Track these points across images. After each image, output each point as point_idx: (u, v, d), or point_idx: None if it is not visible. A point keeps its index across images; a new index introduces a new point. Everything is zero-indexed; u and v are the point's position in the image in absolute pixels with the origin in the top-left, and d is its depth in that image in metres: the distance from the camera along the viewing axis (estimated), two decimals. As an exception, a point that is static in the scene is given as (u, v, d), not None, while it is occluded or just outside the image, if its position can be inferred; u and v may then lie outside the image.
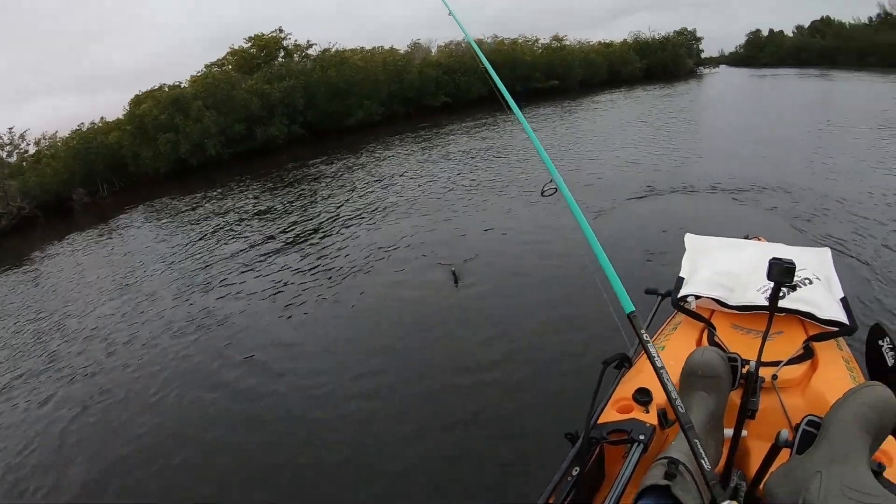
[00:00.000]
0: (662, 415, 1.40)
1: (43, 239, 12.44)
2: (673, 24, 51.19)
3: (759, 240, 2.83)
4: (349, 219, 8.04)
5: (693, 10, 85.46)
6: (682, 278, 2.20)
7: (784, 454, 1.14)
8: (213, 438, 3.30)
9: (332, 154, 15.20)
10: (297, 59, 21.79)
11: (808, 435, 1.09)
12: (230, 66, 20.71)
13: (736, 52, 50.45)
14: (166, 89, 18.43)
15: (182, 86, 18.79)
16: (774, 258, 1.24)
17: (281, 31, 21.89)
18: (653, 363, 1.20)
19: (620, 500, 1.24)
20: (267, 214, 9.32)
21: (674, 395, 1.15)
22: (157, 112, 17.10)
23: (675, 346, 1.84)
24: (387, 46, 24.31)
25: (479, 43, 23.51)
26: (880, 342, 1.78)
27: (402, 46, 25.10)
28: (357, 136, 18.26)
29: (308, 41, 22.26)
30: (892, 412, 1.06)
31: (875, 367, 1.79)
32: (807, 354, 1.72)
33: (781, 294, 1.44)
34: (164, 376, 4.20)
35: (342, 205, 8.98)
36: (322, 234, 7.46)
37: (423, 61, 23.57)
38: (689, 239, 2.53)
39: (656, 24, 63.35)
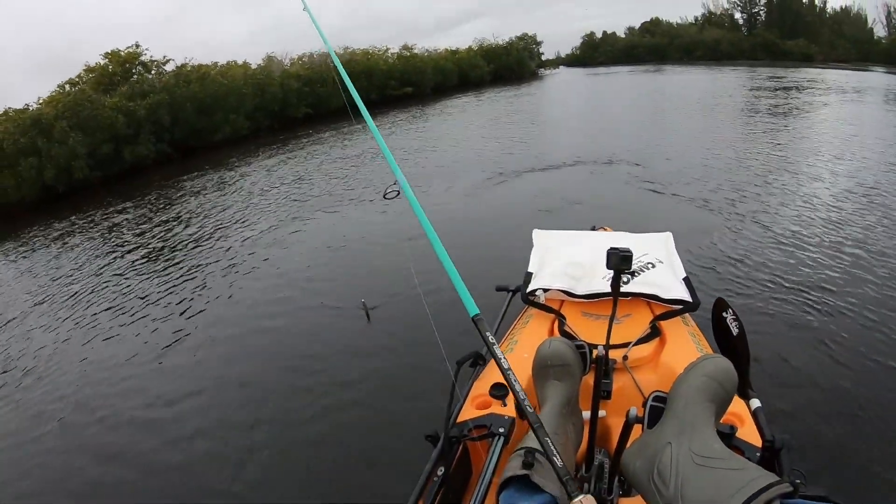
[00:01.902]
0: (519, 407, 1.23)
1: None
2: (510, 30, 56.28)
3: (606, 230, 2.99)
4: (209, 240, 7.95)
5: (527, 15, 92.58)
6: (531, 273, 2.24)
7: (638, 430, 1.16)
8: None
9: (200, 171, 15.58)
10: (153, 74, 22.12)
11: (657, 409, 1.12)
12: (86, 85, 20.57)
13: (573, 54, 55.63)
14: (11, 113, 17.99)
15: (32, 108, 18.50)
16: (612, 248, 1.28)
17: (138, 46, 22.12)
18: (499, 364, 1.18)
19: (487, 493, 1.26)
20: (134, 242, 8.91)
21: (521, 395, 1.14)
22: (17, 135, 16.79)
23: (528, 339, 1.86)
24: (239, 62, 25.26)
25: (321, 55, 25.24)
26: (724, 314, 1.82)
27: (253, 61, 26.07)
28: (224, 152, 18.87)
29: (164, 56, 22.74)
30: (730, 380, 1.11)
31: (722, 337, 1.84)
32: (654, 333, 1.80)
33: (625, 280, 1.59)
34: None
35: (206, 227, 8.82)
36: (183, 260, 7.27)
37: (282, 74, 24.92)
38: (537, 234, 2.58)
39: (487, 31, 68.92)
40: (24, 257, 9.94)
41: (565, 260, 2.29)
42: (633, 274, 2.07)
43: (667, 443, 1.02)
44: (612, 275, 1.34)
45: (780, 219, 5.70)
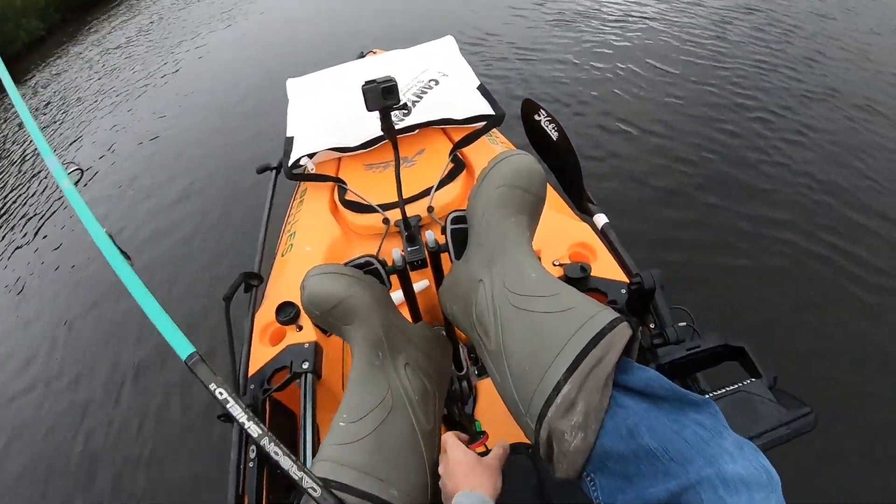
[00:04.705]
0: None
1: None
2: None
3: (375, 53, 2.48)
4: None
5: None
6: (291, 138, 1.73)
7: (447, 259, 0.93)
8: None
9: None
10: None
11: (461, 232, 0.87)
12: None
13: None
14: None
15: None
16: (366, 83, 0.88)
17: None
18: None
19: (314, 440, 0.99)
20: None
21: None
22: None
23: (309, 226, 1.48)
24: None
25: None
26: (536, 117, 1.55)
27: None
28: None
29: None
30: (536, 179, 0.82)
31: (540, 145, 1.58)
32: (458, 167, 1.46)
33: (404, 113, 1.33)
34: None
35: None
36: None
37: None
38: (292, 85, 2.06)
39: None
40: None
41: (329, 108, 1.80)
42: (413, 102, 1.65)
43: (478, 280, 0.78)
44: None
45: (590, 6, 4.74)
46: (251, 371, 1.14)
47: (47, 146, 1.25)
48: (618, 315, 0.63)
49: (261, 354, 1.15)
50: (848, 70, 3.42)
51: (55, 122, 6.14)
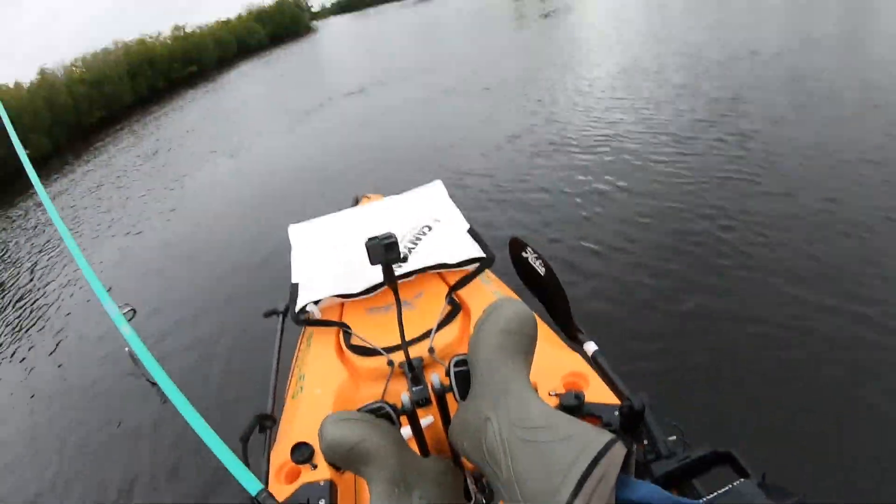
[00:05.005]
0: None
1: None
2: None
3: (369, 198, 2.65)
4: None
5: None
6: (297, 284, 1.85)
7: (452, 399, 1.02)
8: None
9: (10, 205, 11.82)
10: None
11: (464, 374, 0.97)
12: None
13: (338, 2, 56.88)
14: None
15: None
16: (370, 240, 1.06)
17: None
18: None
19: None
20: None
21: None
22: None
23: (317, 370, 1.54)
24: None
25: (96, 56, 24.26)
26: (524, 254, 1.64)
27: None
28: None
29: None
30: (527, 324, 0.94)
31: (529, 281, 1.67)
32: (455, 308, 1.55)
33: (403, 260, 1.35)
34: None
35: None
36: None
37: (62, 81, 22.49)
38: (293, 231, 2.20)
39: None
40: None
41: (331, 256, 1.91)
42: (409, 249, 1.75)
43: (486, 418, 0.87)
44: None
45: (557, 136, 5.11)
46: None
47: (105, 291, 1.36)
48: (613, 436, 0.71)
49: (277, 492, 1.19)
50: (806, 168, 3.71)
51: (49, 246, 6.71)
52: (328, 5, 56.42)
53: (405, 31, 20.94)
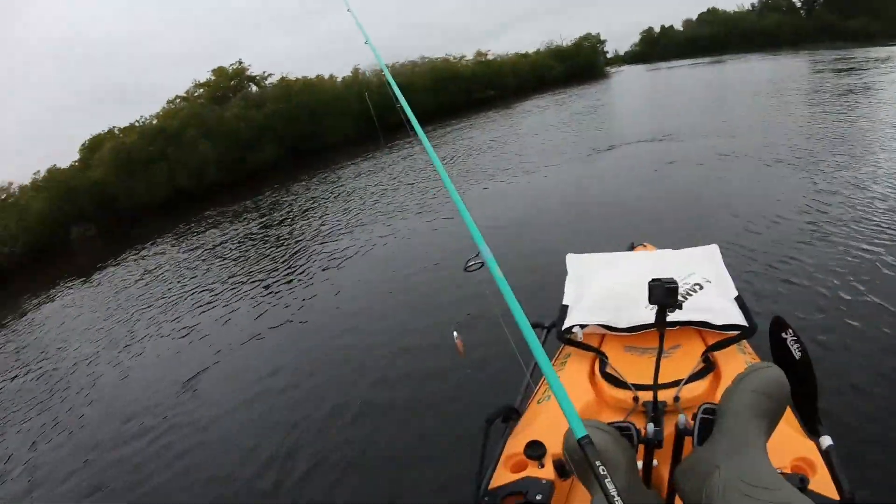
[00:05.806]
0: (559, 466, 1.12)
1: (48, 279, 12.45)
2: (569, 30, 55.61)
3: (645, 247, 2.72)
4: (309, 248, 8.25)
5: (580, 11, 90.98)
6: (567, 306, 2.02)
7: (689, 442, 1.09)
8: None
9: (310, 174, 15.97)
10: (256, 88, 23.44)
11: (707, 422, 1.04)
12: (202, 97, 21.99)
13: (633, 50, 55.46)
14: (137, 126, 19.46)
15: (149, 122, 19.88)
16: (653, 280, 1.14)
17: (241, 62, 23.25)
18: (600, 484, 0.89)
19: None
20: (258, 246, 9.42)
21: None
22: (145, 144, 18.10)
23: (568, 384, 1.52)
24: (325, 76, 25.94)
25: (404, 66, 27.17)
26: (783, 335, 1.65)
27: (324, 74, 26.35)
28: (333, 154, 19.04)
29: (264, 72, 23.77)
30: (783, 393, 1.00)
31: (782, 362, 1.63)
32: (708, 367, 1.60)
33: (678, 309, 1.42)
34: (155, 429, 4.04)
35: (307, 233, 9.22)
36: (283, 266, 7.59)
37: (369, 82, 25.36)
38: (571, 260, 2.35)
39: (536, 36, 68.98)
40: (157, 258, 11.13)
41: (603, 289, 2.04)
42: (679, 302, 1.75)
43: (716, 466, 0.94)
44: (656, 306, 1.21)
45: (844, 221, 4.82)
46: (491, 485, 1.36)
47: (482, 240, 1.50)
48: None
49: (501, 475, 1.37)
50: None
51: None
52: (622, 53, 56.00)
53: (697, 90, 19.97)
